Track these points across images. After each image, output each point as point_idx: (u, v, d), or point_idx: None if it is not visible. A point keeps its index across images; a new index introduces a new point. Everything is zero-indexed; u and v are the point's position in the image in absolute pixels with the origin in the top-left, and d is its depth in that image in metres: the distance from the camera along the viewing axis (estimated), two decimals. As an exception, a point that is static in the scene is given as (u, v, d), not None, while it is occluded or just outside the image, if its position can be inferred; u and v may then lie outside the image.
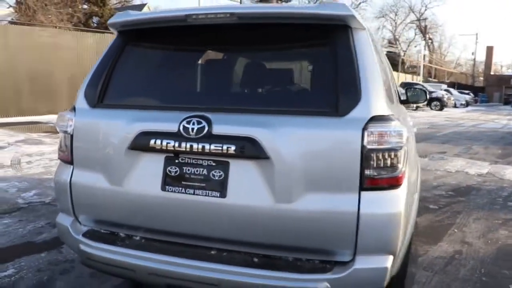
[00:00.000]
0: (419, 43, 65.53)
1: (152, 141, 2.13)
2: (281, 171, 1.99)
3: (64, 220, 2.49)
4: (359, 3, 54.42)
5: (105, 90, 2.43)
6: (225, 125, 2.06)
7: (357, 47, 2.11)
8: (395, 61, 55.83)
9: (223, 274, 2.00)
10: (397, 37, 70.16)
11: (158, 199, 2.18)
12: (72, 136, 2.42)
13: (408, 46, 70.76)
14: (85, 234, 2.38)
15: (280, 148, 1.99)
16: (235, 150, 2.01)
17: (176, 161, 2.15)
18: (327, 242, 2.01)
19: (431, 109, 30.05)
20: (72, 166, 2.45)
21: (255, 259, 2.07)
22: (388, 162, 1.96)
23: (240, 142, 2.01)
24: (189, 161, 2.13)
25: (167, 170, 2.16)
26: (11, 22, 19.15)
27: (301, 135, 2.01)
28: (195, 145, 2.05)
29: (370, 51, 2.14)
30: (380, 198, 1.98)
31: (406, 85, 32.38)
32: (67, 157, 2.46)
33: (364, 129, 1.95)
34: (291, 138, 2.00)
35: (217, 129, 2.05)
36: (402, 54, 63.35)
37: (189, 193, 2.12)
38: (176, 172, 2.15)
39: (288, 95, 2.43)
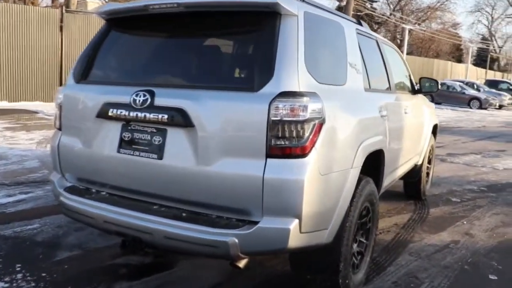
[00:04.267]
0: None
1: (110, 111, 2.52)
2: (202, 138, 2.27)
3: (54, 176, 2.96)
4: (449, -4, 51.60)
5: (88, 69, 2.85)
6: (163, 97, 2.37)
7: (281, 31, 2.28)
8: (485, 58, 52.50)
9: (156, 224, 2.33)
10: (493, 32, 65.79)
11: (115, 159, 2.55)
12: (61, 106, 2.88)
13: (505, 42, 66.19)
14: (65, 189, 2.82)
15: (203, 118, 2.26)
16: (167, 119, 2.33)
17: (129, 128, 2.51)
18: (240, 202, 2.24)
19: (520, 108, 28.13)
20: (60, 132, 2.91)
21: (184, 214, 2.38)
22: (294, 133, 2.16)
23: (172, 112, 2.32)
24: (137, 128, 2.48)
25: (122, 135, 2.53)
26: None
27: (220, 107, 2.26)
28: (140, 114, 2.40)
29: (294, 35, 2.31)
30: (283, 165, 2.16)
31: (490, 83, 30.73)
32: (58, 125, 2.93)
33: (271, 102, 2.15)
34: (212, 110, 2.26)
35: (158, 101, 2.37)
36: (497, 51, 59.35)
37: (135, 155, 2.48)
38: (128, 137, 2.51)
39: (217, 73, 2.68)
